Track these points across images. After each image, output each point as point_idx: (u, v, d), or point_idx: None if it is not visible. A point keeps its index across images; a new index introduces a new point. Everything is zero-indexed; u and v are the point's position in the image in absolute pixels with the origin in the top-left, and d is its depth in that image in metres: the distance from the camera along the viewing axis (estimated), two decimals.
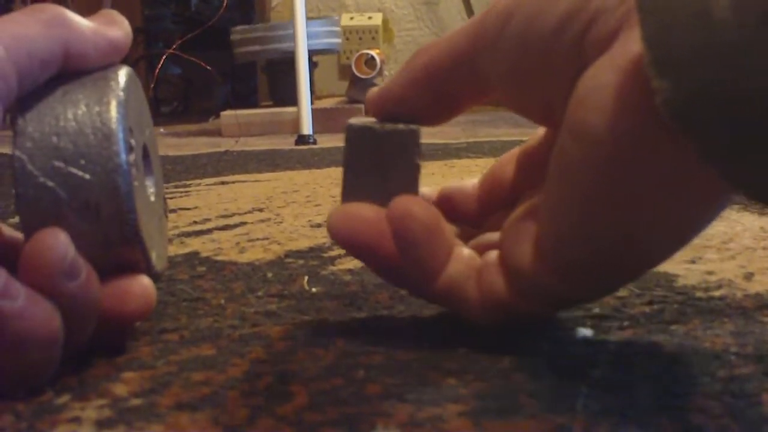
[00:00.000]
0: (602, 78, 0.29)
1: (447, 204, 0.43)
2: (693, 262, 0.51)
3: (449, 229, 0.39)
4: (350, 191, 0.39)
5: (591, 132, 0.30)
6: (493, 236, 0.39)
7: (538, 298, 0.36)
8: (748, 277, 0.48)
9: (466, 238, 0.40)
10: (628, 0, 0.29)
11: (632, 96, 0.28)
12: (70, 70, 0.37)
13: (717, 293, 0.44)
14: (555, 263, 0.34)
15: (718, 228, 0.61)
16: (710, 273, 0.49)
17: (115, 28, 0.39)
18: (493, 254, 0.37)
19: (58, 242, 0.33)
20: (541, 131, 0.41)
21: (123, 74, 0.38)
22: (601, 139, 0.29)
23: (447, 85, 0.38)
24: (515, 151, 0.42)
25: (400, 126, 0.39)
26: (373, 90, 0.40)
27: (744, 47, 0.24)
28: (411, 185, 0.39)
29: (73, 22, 0.37)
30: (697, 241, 0.56)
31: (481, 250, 0.38)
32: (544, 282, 0.35)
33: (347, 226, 0.38)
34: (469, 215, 0.43)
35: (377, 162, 0.39)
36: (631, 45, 0.29)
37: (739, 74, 0.24)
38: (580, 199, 0.32)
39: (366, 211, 0.38)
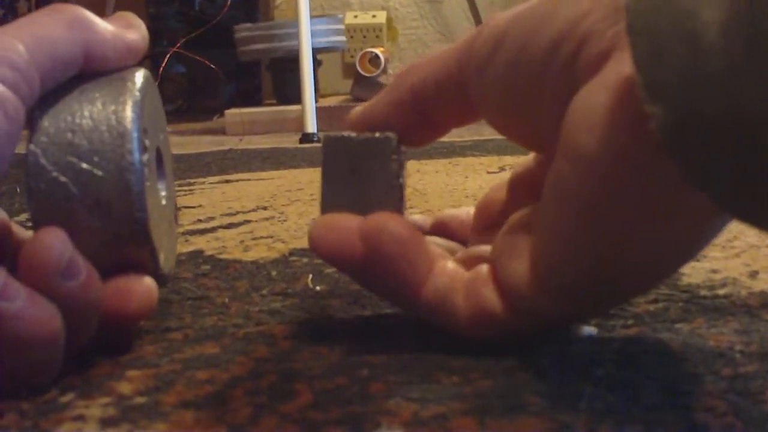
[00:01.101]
0: (594, 98, 0.29)
1: (442, 231, 0.43)
2: (697, 260, 0.51)
3: (430, 244, 0.38)
4: (329, 203, 0.39)
5: (584, 152, 0.30)
6: (481, 249, 0.39)
7: (533, 316, 0.35)
8: (753, 275, 0.47)
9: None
10: (619, 21, 0.29)
11: (625, 116, 0.28)
12: (88, 72, 0.37)
13: (722, 291, 0.44)
14: (550, 284, 0.34)
15: None
16: (715, 271, 0.48)
17: (132, 31, 0.39)
18: (483, 268, 0.37)
19: (56, 241, 0.33)
20: (531, 155, 0.41)
21: (140, 76, 0.38)
22: (594, 159, 0.29)
23: (432, 108, 0.38)
24: (505, 180, 0.42)
25: (376, 134, 0.38)
26: (357, 109, 0.40)
27: (731, 73, 0.24)
28: (391, 193, 0.38)
29: (94, 25, 0.37)
30: None
31: (469, 263, 0.38)
32: (540, 301, 0.34)
33: (328, 238, 0.37)
34: (464, 242, 0.43)
35: (354, 171, 0.38)
36: (622, 66, 0.29)
37: (727, 100, 0.24)
38: (574, 219, 0.31)
39: (347, 222, 0.37)
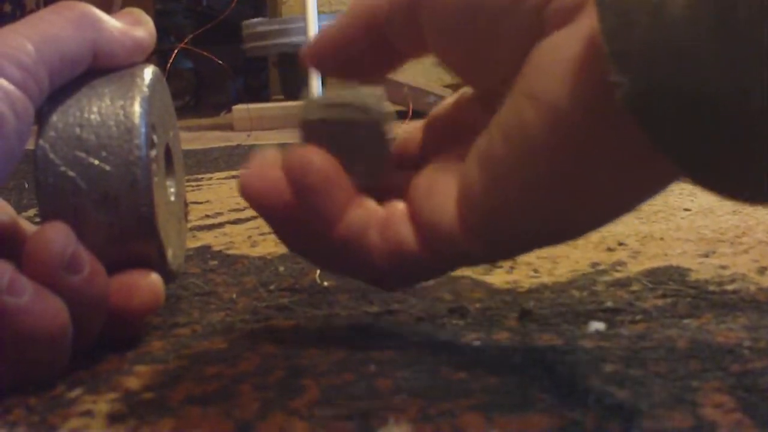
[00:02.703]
0: (567, 49, 0.29)
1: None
2: (706, 256, 0.51)
3: (347, 179, 0.36)
4: None
5: (554, 101, 0.29)
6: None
7: (452, 256, 0.35)
8: (762, 271, 0.47)
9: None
10: None
11: (594, 70, 0.28)
12: (97, 69, 0.38)
13: (730, 287, 0.44)
14: (478, 228, 0.33)
15: (731, 222, 0.60)
16: (723, 267, 0.48)
17: (140, 28, 0.39)
18: (399, 205, 0.36)
19: (59, 236, 0.33)
20: (447, 101, 0.40)
21: (149, 72, 0.38)
22: (563, 109, 0.29)
23: (385, 32, 0.36)
24: (420, 122, 0.41)
25: (358, 115, 0.36)
26: (310, 41, 0.38)
27: (696, 46, 0.24)
28: (379, 161, 0.37)
29: (102, 23, 0.37)
30: (710, 235, 0.56)
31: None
32: (464, 245, 0.34)
33: (256, 185, 0.36)
34: (413, 160, 0.41)
35: (340, 148, 0.36)
36: (594, 20, 0.28)
37: (692, 73, 0.24)
38: (532, 165, 0.31)
39: (276, 171, 0.36)
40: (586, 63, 0.28)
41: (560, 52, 0.29)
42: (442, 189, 0.35)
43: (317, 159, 0.35)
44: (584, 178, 0.30)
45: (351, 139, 0.36)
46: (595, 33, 0.28)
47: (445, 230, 0.34)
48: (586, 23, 0.29)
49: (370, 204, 0.37)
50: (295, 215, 0.36)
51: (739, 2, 0.23)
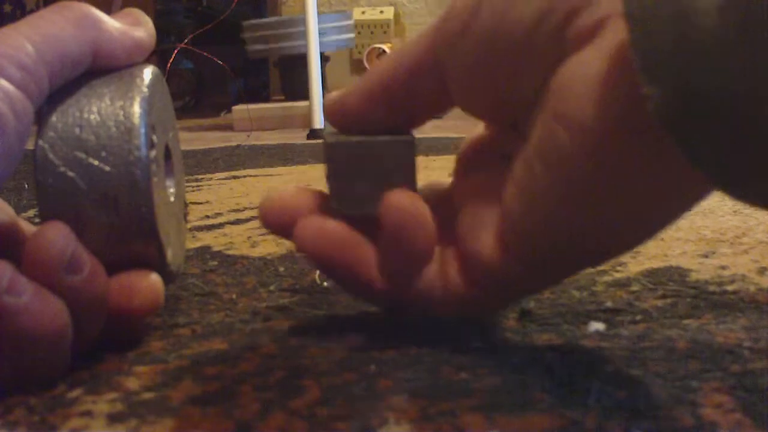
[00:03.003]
0: (592, 67, 0.29)
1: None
2: (706, 256, 0.51)
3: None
4: (341, 198, 0.37)
5: (584, 120, 0.29)
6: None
7: (496, 286, 0.36)
8: (762, 271, 0.47)
9: None
10: None
11: (623, 85, 0.28)
12: (97, 69, 0.38)
13: (730, 288, 0.44)
14: (522, 252, 0.34)
15: (732, 222, 0.60)
16: (723, 267, 0.48)
17: (140, 28, 0.39)
18: (448, 251, 0.37)
19: (59, 236, 0.33)
20: (472, 136, 0.40)
21: (149, 72, 0.38)
22: (595, 128, 0.29)
23: (404, 97, 0.37)
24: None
25: (390, 137, 0.37)
26: (330, 98, 0.39)
27: (724, 52, 0.24)
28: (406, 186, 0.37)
29: (102, 23, 0.37)
30: (710, 235, 0.56)
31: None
32: (505, 271, 0.34)
33: (320, 242, 0.37)
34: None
35: (367, 171, 0.37)
36: (619, 34, 0.28)
37: (721, 80, 0.24)
38: (565, 185, 0.31)
39: (339, 229, 0.37)
40: (614, 79, 0.28)
41: (586, 70, 0.29)
42: (482, 221, 0.35)
43: (414, 203, 0.36)
44: (620, 195, 0.31)
45: (375, 161, 0.37)
46: (622, 47, 0.28)
47: (486, 258, 0.35)
48: (610, 39, 0.29)
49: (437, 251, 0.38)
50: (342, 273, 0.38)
51: None
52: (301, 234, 0.37)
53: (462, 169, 0.40)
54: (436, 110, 0.38)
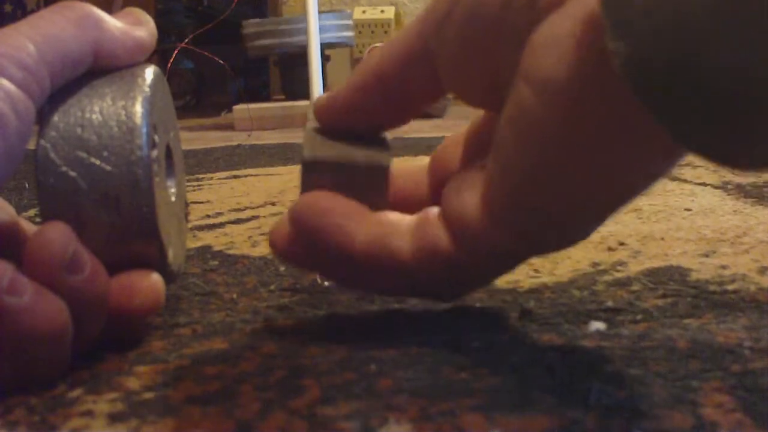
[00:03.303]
0: (560, 28, 0.29)
1: (396, 189, 0.42)
2: (707, 256, 0.51)
3: (358, 206, 0.38)
4: None
5: (549, 79, 0.30)
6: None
7: (482, 250, 0.35)
8: (762, 271, 0.47)
9: None
10: None
11: (590, 45, 0.28)
12: (98, 69, 0.38)
13: (731, 287, 0.44)
14: (503, 217, 0.34)
15: (732, 222, 0.60)
16: (724, 267, 0.48)
17: (141, 28, 0.39)
18: (433, 210, 0.37)
19: (59, 236, 0.33)
20: (473, 121, 0.41)
21: (150, 72, 0.38)
22: (559, 86, 0.29)
23: (397, 87, 0.37)
24: (461, 134, 0.42)
25: (364, 160, 0.38)
26: (321, 97, 0.39)
27: (692, 16, 0.24)
28: (378, 203, 0.38)
29: (103, 23, 0.37)
30: (711, 234, 0.56)
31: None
32: (493, 237, 0.34)
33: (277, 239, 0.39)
34: (420, 200, 0.42)
35: (340, 187, 0.38)
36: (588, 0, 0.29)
37: (687, 43, 0.24)
38: (537, 146, 0.31)
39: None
40: (580, 37, 0.29)
41: (553, 31, 0.30)
42: (469, 186, 0.35)
43: (315, 201, 0.37)
44: (588, 156, 0.31)
45: (350, 177, 0.38)
46: (590, 9, 0.28)
47: (473, 222, 0.35)
48: (578, 2, 0.29)
49: (392, 216, 0.38)
50: (316, 255, 0.38)
51: None
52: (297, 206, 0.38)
53: (465, 149, 0.41)
54: (429, 99, 0.38)
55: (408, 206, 0.40)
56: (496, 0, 0.32)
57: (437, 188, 0.41)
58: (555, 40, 0.29)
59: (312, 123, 0.39)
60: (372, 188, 0.38)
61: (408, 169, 0.43)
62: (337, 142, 0.38)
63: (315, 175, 0.38)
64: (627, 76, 0.26)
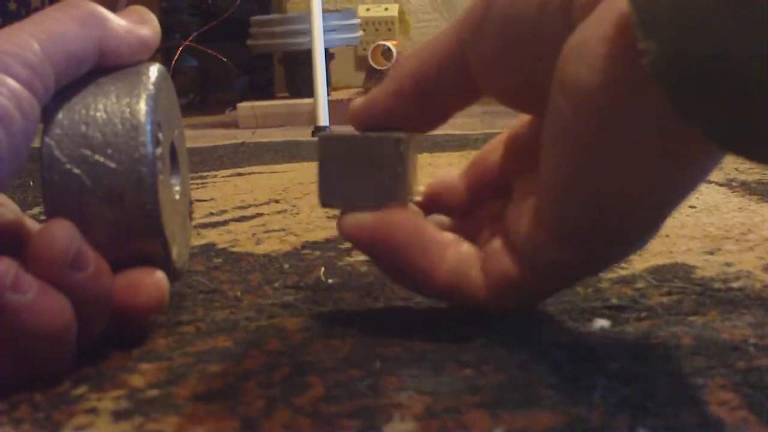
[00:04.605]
0: (589, 32, 0.29)
1: (435, 199, 0.43)
2: (711, 253, 0.51)
3: (436, 229, 0.39)
4: (328, 194, 0.39)
5: (579, 83, 0.29)
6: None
7: (546, 270, 0.35)
8: (767, 268, 0.47)
9: (462, 232, 0.40)
10: None
11: (621, 48, 0.28)
12: (102, 67, 0.38)
13: (735, 284, 0.44)
14: (555, 230, 0.34)
15: (737, 219, 0.60)
16: (729, 264, 0.48)
17: (145, 26, 0.39)
18: (496, 241, 0.37)
19: (63, 233, 0.33)
20: (526, 117, 0.40)
21: (155, 70, 0.38)
22: (591, 91, 0.29)
23: (435, 91, 0.38)
24: (499, 139, 0.42)
25: (378, 134, 0.38)
26: (357, 101, 0.40)
27: (719, 13, 0.24)
28: (395, 186, 0.38)
29: (108, 21, 0.37)
30: (715, 232, 0.56)
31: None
32: (549, 251, 0.34)
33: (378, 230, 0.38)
34: (458, 206, 0.43)
35: (355, 168, 0.38)
36: (617, 2, 0.28)
37: (716, 40, 0.24)
38: (574, 156, 0.31)
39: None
40: (610, 40, 0.28)
41: (583, 36, 0.30)
42: (528, 209, 0.36)
43: (400, 217, 0.38)
44: (622, 162, 0.30)
45: (364, 157, 0.38)
46: (620, 11, 0.28)
47: (531, 239, 0.35)
48: (607, 6, 0.29)
49: (466, 247, 0.38)
50: (398, 269, 0.39)
51: None
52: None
53: (507, 150, 0.41)
54: (465, 101, 0.39)
55: (443, 210, 0.42)
56: (532, 5, 0.32)
57: (475, 193, 0.42)
58: (586, 45, 0.29)
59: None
60: (388, 161, 0.38)
61: (443, 181, 0.43)
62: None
63: (329, 153, 0.38)
64: (658, 76, 0.26)
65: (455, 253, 0.38)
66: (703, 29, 0.24)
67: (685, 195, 0.33)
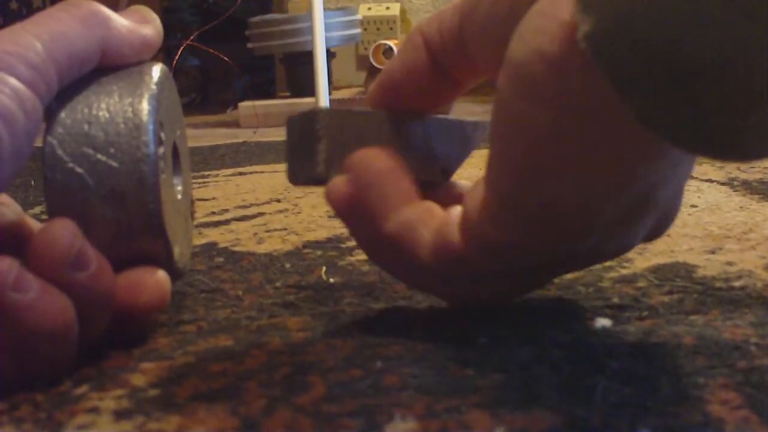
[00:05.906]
0: (530, 12, 0.29)
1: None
2: (713, 252, 0.51)
3: (410, 184, 0.38)
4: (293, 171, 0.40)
5: (516, 61, 0.29)
6: None
7: (490, 249, 0.35)
8: None
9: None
10: None
11: (556, 24, 0.28)
12: (105, 67, 0.38)
13: (737, 283, 0.44)
14: (498, 215, 0.33)
15: (738, 218, 0.60)
16: (730, 263, 0.48)
17: (148, 26, 0.39)
18: (456, 210, 0.37)
19: (65, 232, 0.33)
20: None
21: (157, 70, 0.38)
22: (525, 66, 0.29)
23: (447, 61, 0.38)
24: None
25: (357, 108, 0.39)
26: (375, 83, 0.40)
27: None
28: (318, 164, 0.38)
29: (110, 21, 0.37)
30: (717, 231, 0.56)
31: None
32: (494, 235, 0.34)
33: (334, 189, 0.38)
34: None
35: (300, 149, 0.39)
36: None
37: (652, 15, 0.24)
38: (508, 134, 0.31)
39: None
40: (546, 14, 0.28)
41: (528, 14, 0.29)
42: (479, 186, 0.35)
43: (376, 157, 0.37)
44: (557, 142, 0.30)
45: (357, 128, 0.38)
46: None
47: (475, 219, 0.34)
48: None
49: (431, 206, 0.37)
50: (356, 211, 0.38)
51: None
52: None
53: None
54: (472, 77, 0.39)
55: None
56: None
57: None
58: (526, 20, 0.29)
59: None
60: (372, 134, 0.38)
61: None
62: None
63: (294, 130, 0.39)
64: (590, 49, 0.26)
65: (414, 207, 0.37)
66: (641, 4, 0.24)
67: (631, 197, 0.31)
